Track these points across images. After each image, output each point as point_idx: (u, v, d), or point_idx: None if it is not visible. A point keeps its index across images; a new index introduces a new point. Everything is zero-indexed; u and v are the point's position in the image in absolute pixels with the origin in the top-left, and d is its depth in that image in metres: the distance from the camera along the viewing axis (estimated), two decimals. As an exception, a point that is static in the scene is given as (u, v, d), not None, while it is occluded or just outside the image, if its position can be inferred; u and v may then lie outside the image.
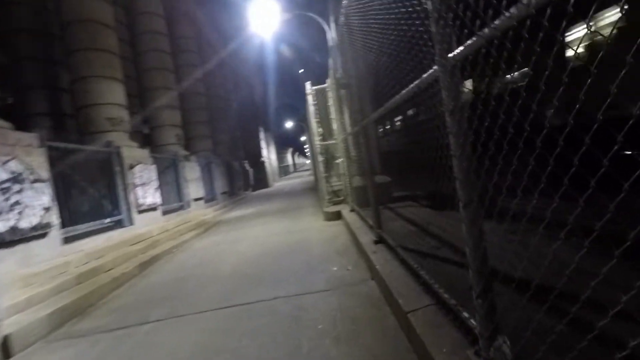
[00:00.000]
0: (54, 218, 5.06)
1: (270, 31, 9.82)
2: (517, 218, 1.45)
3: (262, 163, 25.30)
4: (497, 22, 1.10)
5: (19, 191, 4.53)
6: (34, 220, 4.69)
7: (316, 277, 3.73)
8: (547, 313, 1.28)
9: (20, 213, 4.48)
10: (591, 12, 1.01)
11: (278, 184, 27.98)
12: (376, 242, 3.80)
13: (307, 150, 36.32)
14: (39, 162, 4.93)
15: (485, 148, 1.31)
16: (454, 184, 2.32)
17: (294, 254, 4.87)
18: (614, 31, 1.03)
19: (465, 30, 1.31)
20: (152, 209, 8.04)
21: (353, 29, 3.69)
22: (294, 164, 64.11)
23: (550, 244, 1.16)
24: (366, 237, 4.22)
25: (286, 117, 41.43)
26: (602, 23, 5.38)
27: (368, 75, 3.68)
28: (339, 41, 5.25)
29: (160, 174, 9.11)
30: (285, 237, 6.15)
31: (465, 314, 1.63)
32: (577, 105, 0.92)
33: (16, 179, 4.50)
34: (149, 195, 7.88)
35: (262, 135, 27.41)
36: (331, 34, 6.92)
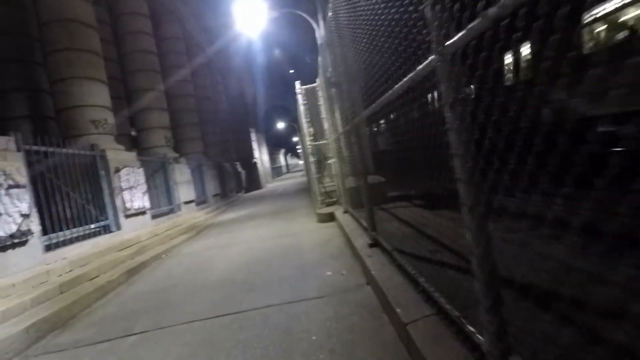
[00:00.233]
0: (34, 225, 4.83)
1: (257, 30, 9.65)
2: (515, 216, 1.32)
3: (254, 164, 25.07)
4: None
5: (-5, 198, 4.31)
6: (11, 228, 4.47)
7: (310, 283, 3.58)
8: (562, 324, 1.14)
9: (-4, 221, 4.26)
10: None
11: (271, 185, 27.75)
12: (371, 246, 3.65)
13: (300, 150, 36.15)
14: (16, 167, 4.70)
15: (493, 144, 1.17)
16: (449, 184, 2.18)
17: (286, 259, 4.71)
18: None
19: (466, 13, 1.16)
20: (141, 213, 7.82)
21: (341, 24, 3.54)
22: (287, 165, 63.84)
23: (551, 243, 1.02)
24: (361, 240, 4.08)
25: (278, 118, 41.23)
26: None
27: (359, 71, 3.54)
28: (327, 38, 5.11)
29: (149, 177, 8.88)
30: (278, 241, 5.99)
31: (471, 328, 1.49)
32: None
33: (-9, 185, 4.28)
34: (137, 199, 7.66)
35: (253, 136, 27.18)
36: (320, 32, 6.77)
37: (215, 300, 3.63)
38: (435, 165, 2.25)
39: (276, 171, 44.55)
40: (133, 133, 12.21)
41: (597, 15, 3.03)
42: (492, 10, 1.01)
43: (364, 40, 2.61)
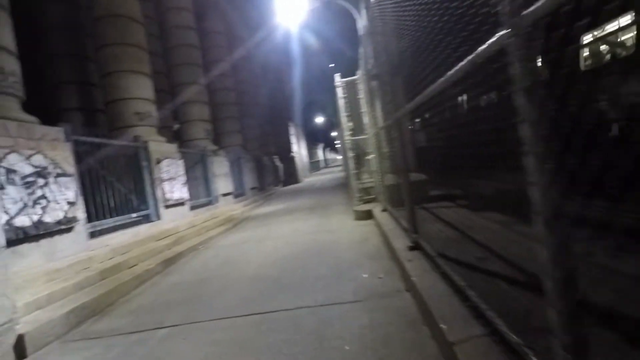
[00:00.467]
0: (79, 212, 5.01)
1: (297, 22, 9.51)
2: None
3: (292, 158, 25.18)
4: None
5: (44, 185, 4.49)
6: (59, 215, 4.64)
7: (345, 285, 3.39)
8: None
9: (44, 207, 4.44)
10: None
11: (308, 179, 27.79)
12: (411, 249, 3.40)
13: (338, 145, 35.93)
14: (64, 157, 4.88)
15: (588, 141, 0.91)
16: (499, 184, 1.89)
17: (322, 257, 4.56)
18: None
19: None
20: (180, 204, 7.98)
21: (386, 7, 3.29)
22: (325, 160, 63.84)
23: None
24: (399, 242, 3.83)
25: (317, 113, 41.17)
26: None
27: (403, 60, 3.28)
28: (370, 27, 4.85)
29: (189, 168, 9.06)
30: (314, 237, 5.86)
31: (538, 362, 1.23)
32: None
33: (40, 173, 4.45)
34: (176, 190, 7.82)
35: (292, 130, 27.29)
36: (361, 22, 6.50)
37: (247, 296, 3.55)
38: (486, 163, 1.98)
39: (314, 165, 44.64)
40: (176, 126, 12.54)
41: None
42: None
43: (412, 21, 2.36)
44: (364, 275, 3.58)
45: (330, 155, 70.65)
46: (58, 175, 4.73)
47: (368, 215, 6.52)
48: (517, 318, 1.70)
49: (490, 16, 1.30)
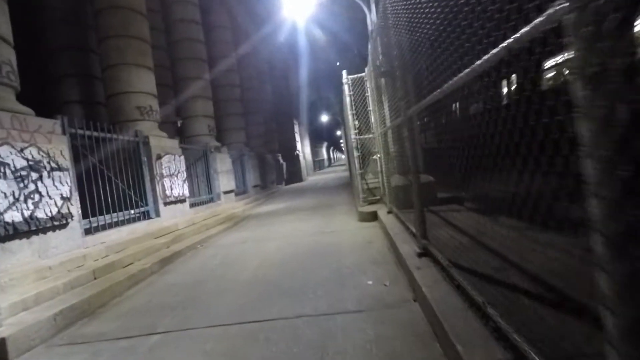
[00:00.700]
0: (74, 208, 4.83)
1: (305, 16, 9.29)
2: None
3: (296, 157, 24.98)
4: None
5: (37, 180, 4.32)
6: (52, 210, 4.47)
7: (348, 293, 3.19)
8: None
9: (36, 202, 4.26)
10: None
11: (312, 178, 27.58)
12: (420, 255, 3.19)
13: (343, 144, 35.69)
14: (60, 150, 4.70)
15: None
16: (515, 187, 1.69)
17: (323, 260, 4.36)
18: None
19: None
20: (180, 201, 7.81)
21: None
22: (329, 159, 63.64)
23: None
24: (407, 247, 3.62)
25: (321, 111, 40.85)
26: None
27: (417, 56, 3.06)
28: (381, 20, 4.63)
29: (190, 165, 8.89)
30: (316, 238, 5.66)
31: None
32: None
33: (33, 166, 4.28)
34: (177, 186, 7.64)
35: (296, 128, 27.09)
36: (371, 17, 6.28)
37: (244, 302, 3.35)
38: (506, 164, 1.78)
39: (318, 164, 44.44)
40: (179, 123, 12.36)
41: None
42: None
43: (430, 12, 2.14)
44: (369, 282, 3.38)
45: (334, 155, 70.47)
46: (52, 169, 4.56)
47: (373, 216, 6.31)
48: (546, 341, 1.49)
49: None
